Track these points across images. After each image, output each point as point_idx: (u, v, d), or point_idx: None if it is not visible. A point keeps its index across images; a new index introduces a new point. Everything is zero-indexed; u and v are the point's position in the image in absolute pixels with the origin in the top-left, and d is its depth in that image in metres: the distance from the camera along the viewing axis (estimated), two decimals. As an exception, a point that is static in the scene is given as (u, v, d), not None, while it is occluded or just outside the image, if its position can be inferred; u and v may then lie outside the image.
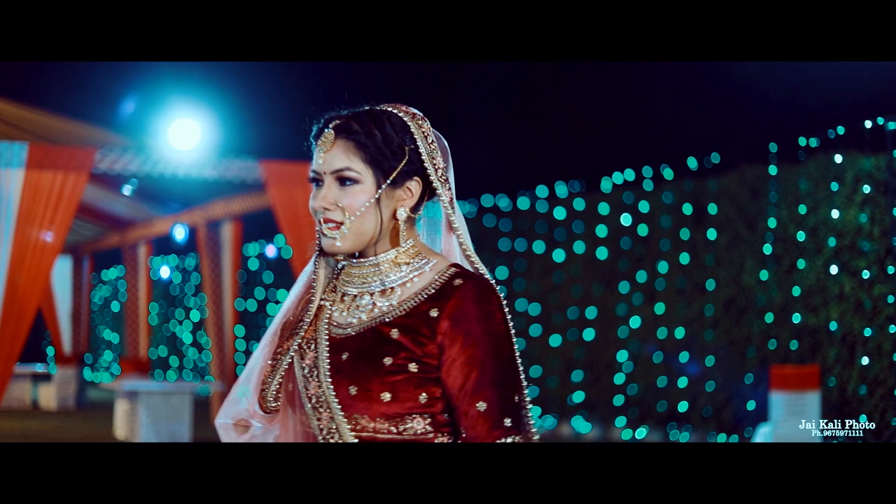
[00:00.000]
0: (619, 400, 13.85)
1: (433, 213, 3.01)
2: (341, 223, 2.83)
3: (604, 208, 14.42)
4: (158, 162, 12.06)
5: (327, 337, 2.87)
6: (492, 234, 16.27)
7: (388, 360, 2.76)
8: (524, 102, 17.51)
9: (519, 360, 2.83)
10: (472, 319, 2.77)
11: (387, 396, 2.75)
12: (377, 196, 2.83)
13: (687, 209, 13.14)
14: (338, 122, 2.88)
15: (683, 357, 12.83)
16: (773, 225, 11.57)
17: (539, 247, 15.47)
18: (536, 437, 2.79)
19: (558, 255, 15.10)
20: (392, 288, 2.86)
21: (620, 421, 13.79)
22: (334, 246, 2.84)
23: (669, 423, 13.06)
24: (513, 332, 2.81)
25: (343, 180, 2.83)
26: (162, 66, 15.77)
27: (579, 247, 14.78)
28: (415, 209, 2.91)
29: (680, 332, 12.90)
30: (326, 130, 2.88)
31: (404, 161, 2.85)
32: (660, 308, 13.28)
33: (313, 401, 2.85)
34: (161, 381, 17.65)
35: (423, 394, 2.77)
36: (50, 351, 23.45)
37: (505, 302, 2.82)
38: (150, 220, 18.25)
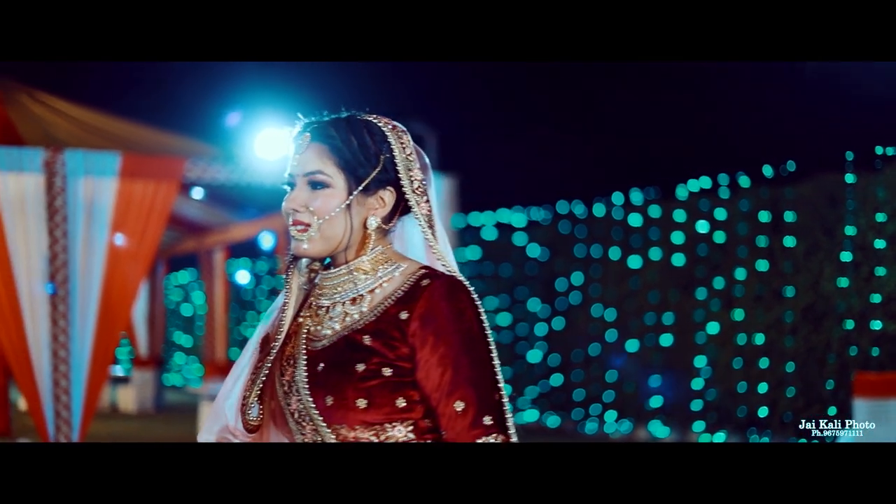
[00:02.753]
0: (697, 405, 13.94)
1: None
2: (309, 225, 2.82)
3: (680, 215, 14.51)
4: (246, 171, 12.29)
5: (305, 351, 2.86)
6: (567, 241, 16.39)
7: (360, 367, 2.74)
8: (600, 109, 17.60)
9: (496, 359, 2.79)
10: (442, 318, 2.75)
11: (363, 403, 2.73)
12: (348, 202, 2.82)
13: (764, 217, 13.21)
14: (315, 126, 2.89)
15: (763, 363, 12.91)
16: (852, 233, 11.63)
17: (615, 253, 15.59)
18: (514, 438, 2.74)
19: (634, 262, 15.21)
20: (361, 295, 2.84)
21: (699, 426, 13.89)
22: (301, 248, 2.84)
23: (749, 427, 13.13)
24: (488, 330, 2.78)
25: (315, 184, 2.82)
26: (249, 77, 16.01)
27: (655, 253, 14.87)
28: (387, 220, 2.90)
29: (759, 339, 12.98)
30: (303, 133, 2.88)
31: (378, 169, 2.84)
32: (738, 314, 13.37)
33: (296, 416, 2.84)
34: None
35: (401, 398, 2.74)
36: (125, 354, 23.79)
37: (478, 300, 2.79)
38: (227, 225, 18.48)
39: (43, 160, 10.70)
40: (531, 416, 16.77)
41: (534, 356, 16.84)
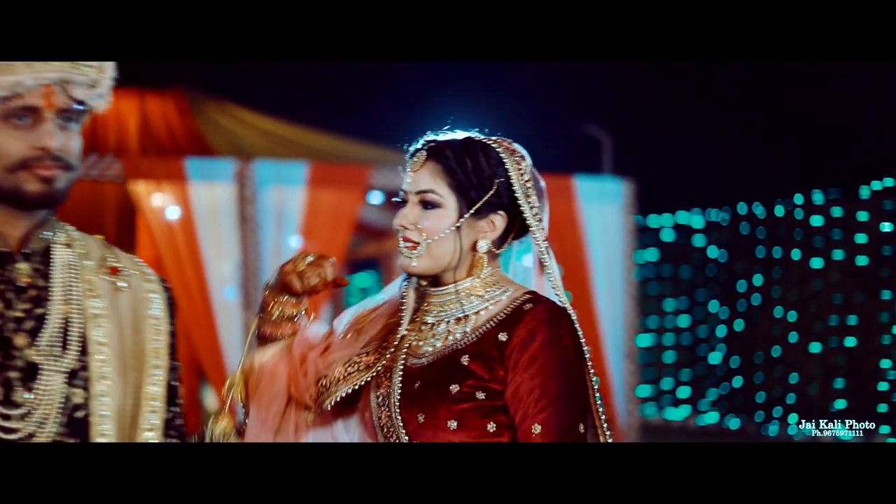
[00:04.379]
0: (882, 407, 13.73)
1: (525, 251, 2.98)
2: (418, 244, 2.84)
3: (862, 216, 14.31)
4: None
5: (402, 367, 2.87)
6: (747, 242, 16.25)
7: (455, 388, 2.75)
8: (780, 109, 17.40)
9: (590, 390, 2.79)
10: (538, 342, 2.74)
11: (453, 424, 2.74)
12: (458, 224, 2.84)
13: (951, 216, 12.98)
14: (432, 144, 2.89)
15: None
16: None
17: (796, 254, 15.42)
18: None
19: (816, 263, 15.03)
20: (467, 315, 2.85)
21: (884, 428, 13.67)
22: (409, 266, 2.87)
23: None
24: (587, 360, 2.79)
25: (426, 203, 2.85)
26: (432, 82, 16.22)
27: (838, 254, 14.69)
28: (498, 245, 2.90)
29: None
30: (419, 151, 2.90)
31: (491, 193, 2.85)
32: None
33: (384, 430, 2.87)
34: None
35: (491, 423, 2.75)
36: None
37: (579, 329, 2.81)
38: (407, 230, 18.69)
39: (234, 170, 11.04)
40: (712, 418, 16.67)
41: (714, 358, 16.73)
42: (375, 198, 13.85)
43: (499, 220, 2.89)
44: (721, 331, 16.66)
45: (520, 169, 2.90)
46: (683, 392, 16.98)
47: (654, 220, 17.45)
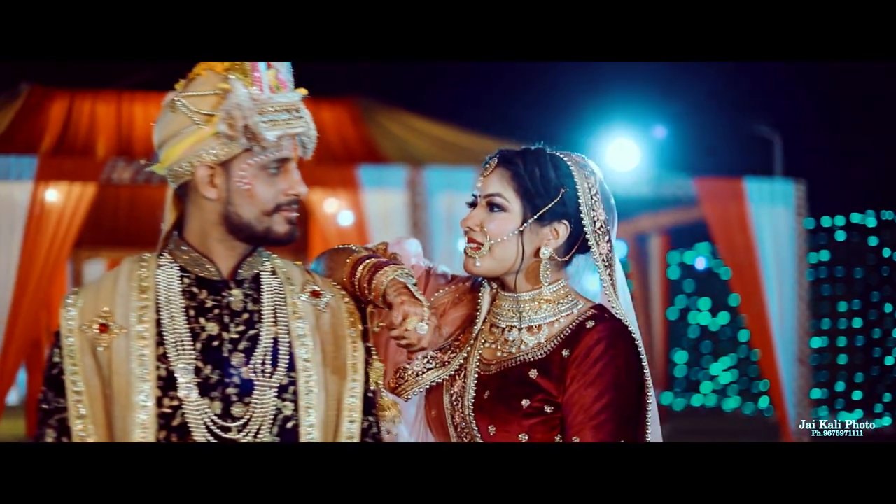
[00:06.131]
0: None
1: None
2: (482, 245, 2.92)
3: None
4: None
5: (477, 370, 2.96)
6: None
7: (525, 402, 2.84)
8: None
9: (641, 411, 2.82)
10: (592, 360, 2.81)
11: (524, 437, 2.83)
12: (521, 228, 2.91)
13: None
14: (505, 152, 2.99)
15: None
16: None
17: None
18: None
19: None
20: (540, 326, 2.93)
21: None
22: (473, 266, 2.95)
23: None
24: (643, 380, 2.82)
25: (493, 205, 2.93)
26: (601, 91, 16.26)
27: None
28: (561, 253, 2.96)
29: None
30: (491, 158, 2.99)
31: (556, 201, 2.91)
32: None
33: (458, 429, 2.96)
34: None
35: (558, 436, 2.83)
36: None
37: (640, 348, 2.84)
38: (575, 233, 18.74)
39: (406, 177, 11.23)
40: (886, 421, 16.38)
41: (889, 360, 16.44)
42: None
43: (562, 229, 2.95)
44: (897, 333, 16.37)
45: (588, 182, 2.95)
46: (856, 395, 16.71)
47: (826, 221, 17.21)
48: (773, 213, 12.06)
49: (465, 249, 2.99)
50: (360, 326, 2.88)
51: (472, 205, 3.01)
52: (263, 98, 2.69)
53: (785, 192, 12.20)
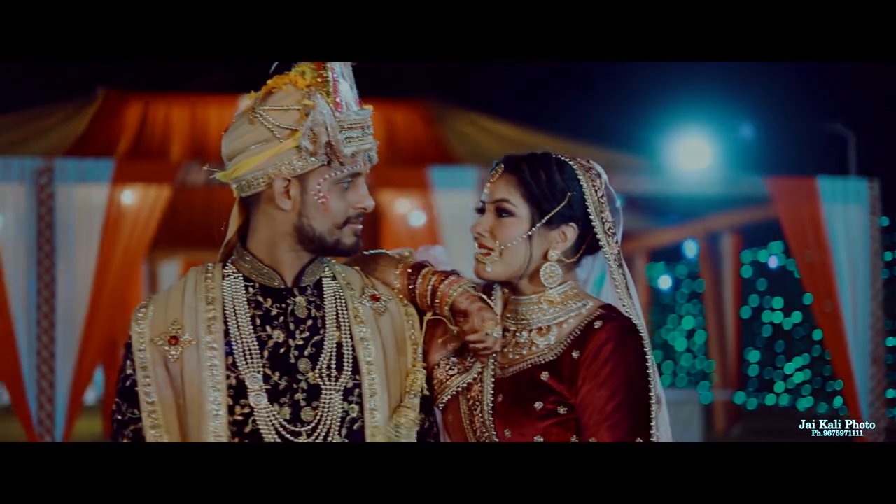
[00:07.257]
0: None
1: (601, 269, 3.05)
2: (492, 250, 2.95)
3: None
4: (668, 181, 12.52)
5: (493, 377, 2.97)
6: None
7: (538, 405, 2.86)
8: None
9: (650, 408, 2.83)
10: (601, 360, 2.83)
11: (540, 439, 2.85)
12: (530, 232, 2.94)
13: None
14: (512, 158, 3.01)
15: None
16: None
17: None
18: None
19: None
20: (549, 327, 2.95)
21: None
22: (484, 271, 2.98)
23: None
24: (651, 378, 2.83)
25: (501, 211, 2.96)
26: (671, 91, 16.21)
27: None
28: (569, 255, 2.99)
29: None
30: (498, 164, 3.02)
31: (563, 204, 2.94)
32: None
33: (477, 434, 2.96)
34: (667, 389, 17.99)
35: (574, 436, 2.86)
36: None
37: (648, 347, 2.85)
38: (646, 231, 18.73)
39: (477, 178, 11.26)
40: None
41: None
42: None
43: (570, 232, 2.98)
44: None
45: (594, 185, 2.99)
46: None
47: (900, 220, 17.06)
48: (846, 212, 11.97)
49: (475, 255, 3.02)
50: (419, 329, 2.98)
51: (481, 210, 3.05)
52: (342, 116, 2.78)
53: (858, 191, 12.10)
